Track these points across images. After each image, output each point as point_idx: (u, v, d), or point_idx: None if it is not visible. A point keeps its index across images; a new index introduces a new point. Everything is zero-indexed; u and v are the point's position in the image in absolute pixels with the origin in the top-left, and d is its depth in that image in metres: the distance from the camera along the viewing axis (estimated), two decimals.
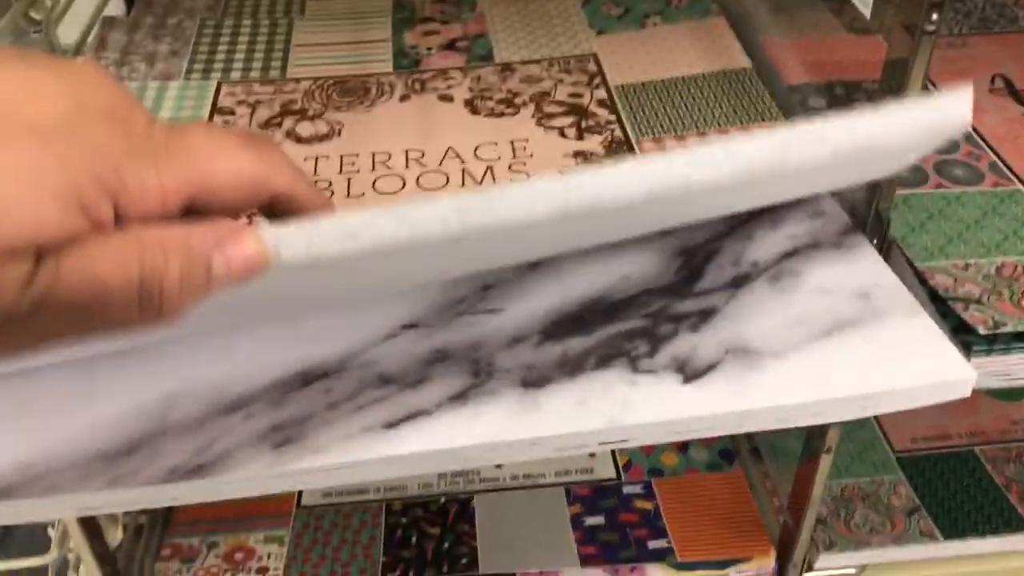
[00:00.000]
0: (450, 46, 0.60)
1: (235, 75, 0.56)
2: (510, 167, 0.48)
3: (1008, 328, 0.39)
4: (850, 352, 0.37)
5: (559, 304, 0.41)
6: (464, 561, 0.51)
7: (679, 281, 0.42)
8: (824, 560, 0.51)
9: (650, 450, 0.58)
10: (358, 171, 0.48)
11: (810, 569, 0.51)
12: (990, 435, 0.59)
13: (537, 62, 0.57)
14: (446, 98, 0.54)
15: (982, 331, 0.39)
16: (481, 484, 0.56)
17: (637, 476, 0.56)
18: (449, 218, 0.30)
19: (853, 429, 0.58)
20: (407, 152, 0.49)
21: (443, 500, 0.55)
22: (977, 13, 0.64)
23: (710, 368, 0.37)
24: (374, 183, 0.47)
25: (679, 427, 0.36)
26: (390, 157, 0.49)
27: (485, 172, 0.47)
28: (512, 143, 0.50)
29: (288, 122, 0.52)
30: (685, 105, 0.52)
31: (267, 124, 0.52)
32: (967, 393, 0.37)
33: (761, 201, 0.42)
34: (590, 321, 0.40)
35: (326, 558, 0.52)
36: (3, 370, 0.39)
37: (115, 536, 0.51)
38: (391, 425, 0.36)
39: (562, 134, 0.50)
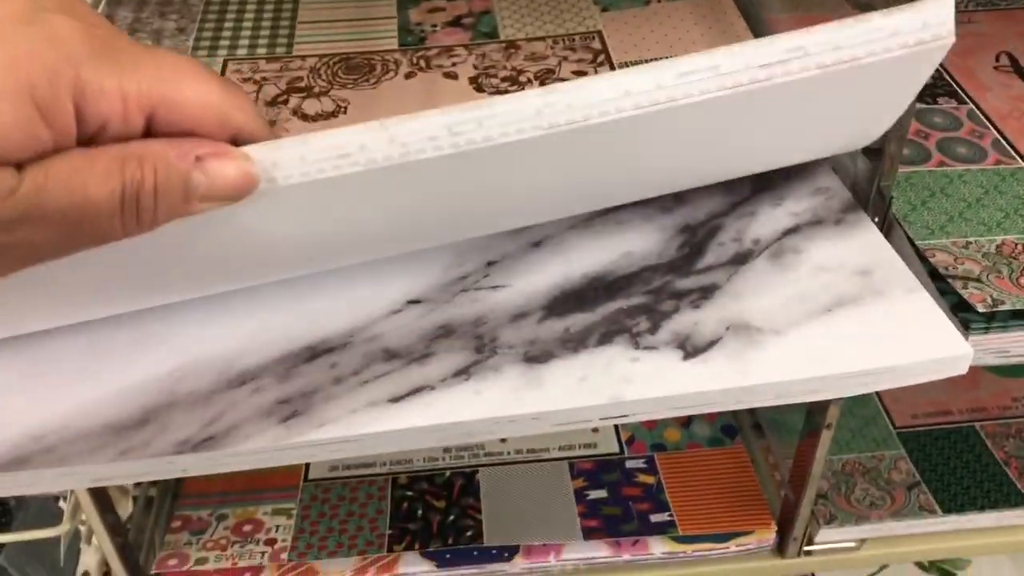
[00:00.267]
0: (455, 23, 0.60)
1: (241, 52, 0.56)
2: None
3: (1007, 306, 0.40)
4: (850, 329, 0.38)
5: (562, 281, 0.41)
6: (469, 534, 0.52)
7: (681, 258, 0.42)
8: (824, 534, 0.51)
9: (653, 425, 0.58)
10: None
11: (810, 543, 0.52)
12: (990, 411, 0.59)
13: (542, 39, 0.57)
14: (451, 75, 0.54)
15: (981, 309, 0.40)
16: (486, 458, 0.56)
17: (640, 451, 0.57)
18: (438, 135, 0.30)
19: (854, 405, 0.59)
20: None
21: (448, 474, 0.55)
22: None
23: (711, 344, 0.38)
24: None
25: (680, 403, 0.37)
26: None
27: None
28: None
29: (294, 100, 0.52)
30: None
31: (273, 101, 0.52)
32: (964, 370, 0.37)
33: (757, 153, 0.42)
34: (592, 298, 0.40)
35: (333, 530, 0.52)
36: (14, 339, 0.39)
37: (126, 508, 0.52)
38: (396, 400, 0.36)
39: None
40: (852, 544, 0.52)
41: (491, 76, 0.54)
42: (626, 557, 0.51)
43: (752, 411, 0.58)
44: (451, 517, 0.53)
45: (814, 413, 0.46)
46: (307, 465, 0.56)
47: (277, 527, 0.53)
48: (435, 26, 0.59)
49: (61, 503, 0.54)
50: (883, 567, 0.69)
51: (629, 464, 0.56)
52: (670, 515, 0.53)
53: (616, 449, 0.57)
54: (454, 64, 0.55)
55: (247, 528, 0.53)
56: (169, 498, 0.55)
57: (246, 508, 0.54)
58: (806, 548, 0.52)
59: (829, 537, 0.52)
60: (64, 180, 0.26)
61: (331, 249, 0.39)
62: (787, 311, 0.39)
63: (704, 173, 0.42)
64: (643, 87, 0.32)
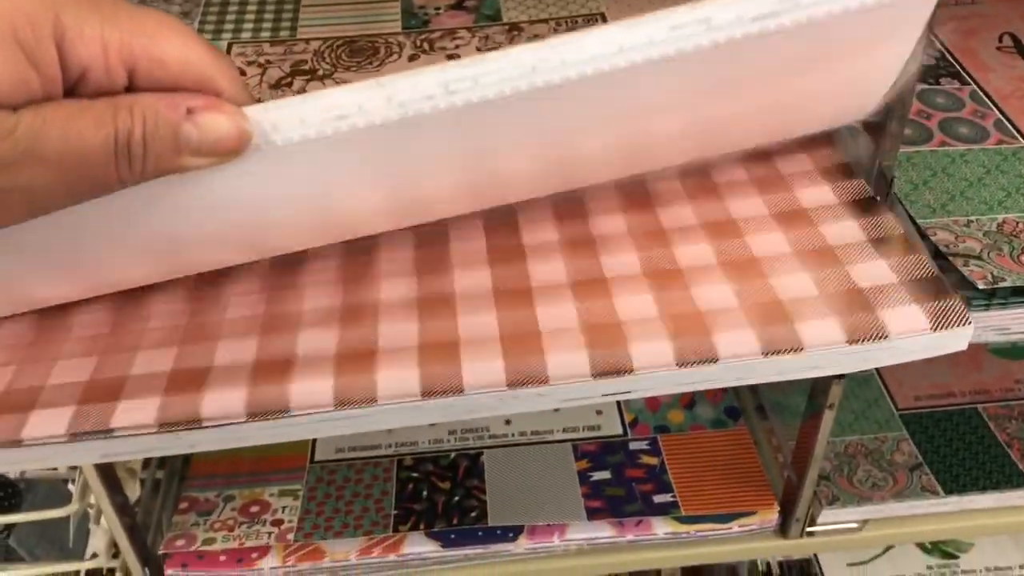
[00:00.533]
0: (458, 6, 0.60)
1: (245, 35, 0.57)
2: None
3: (1007, 283, 0.40)
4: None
5: None
6: (474, 514, 0.52)
7: None
8: (826, 515, 0.52)
9: (656, 407, 0.58)
10: None
11: (812, 523, 0.52)
12: (993, 393, 0.59)
13: (545, 21, 0.57)
14: (454, 58, 0.54)
15: (981, 286, 0.40)
16: (490, 440, 0.57)
17: (643, 433, 0.57)
18: (435, 95, 0.31)
19: (856, 387, 0.59)
20: None
21: (453, 455, 0.56)
22: None
23: None
24: None
25: (680, 379, 0.37)
26: None
27: None
28: None
29: (298, 82, 0.53)
30: None
31: (277, 84, 0.52)
32: (964, 347, 0.37)
33: (755, 117, 0.42)
34: None
35: (339, 511, 0.53)
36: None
37: (134, 490, 0.52)
38: None
39: None
40: (854, 525, 0.53)
41: None
42: (629, 537, 0.51)
43: (755, 393, 0.58)
44: (456, 498, 0.53)
45: (816, 393, 0.46)
46: (313, 447, 0.57)
47: (283, 508, 0.53)
48: (438, 9, 0.60)
49: (70, 485, 0.55)
50: (887, 549, 0.69)
51: (633, 446, 0.56)
52: (673, 496, 0.53)
53: (620, 431, 0.57)
54: (457, 47, 0.55)
55: (254, 509, 0.53)
56: (176, 480, 0.55)
57: (253, 489, 0.54)
58: (808, 529, 0.52)
59: (831, 518, 0.52)
60: (60, 125, 0.27)
61: (331, 220, 0.39)
62: None
63: (701, 140, 0.42)
64: (636, 42, 0.32)
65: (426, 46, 0.56)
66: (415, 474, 0.55)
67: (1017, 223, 0.44)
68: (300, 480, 0.55)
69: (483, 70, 0.31)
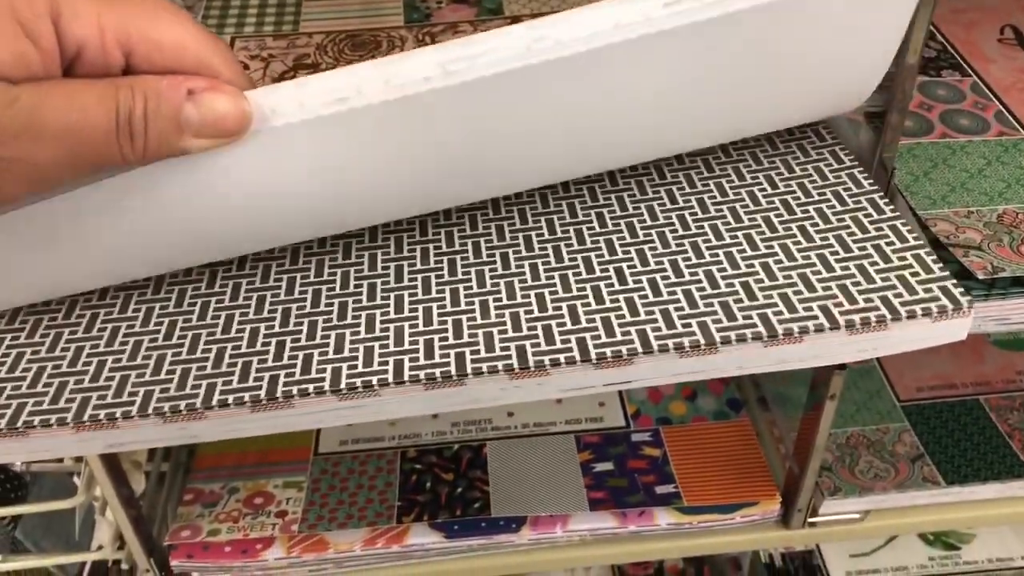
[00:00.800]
0: (460, 0, 0.60)
1: (248, 29, 0.57)
2: None
3: (1007, 273, 0.40)
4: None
5: None
6: (477, 505, 0.53)
7: None
8: (828, 505, 0.52)
9: (658, 399, 0.59)
10: None
11: (815, 514, 0.52)
12: (995, 384, 0.59)
13: (546, 16, 0.57)
14: None
15: (981, 276, 0.40)
16: (493, 432, 0.57)
17: (646, 424, 0.57)
18: (432, 75, 0.31)
19: (858, 379, 0.59)
20: None
21: (456, 447, 0.56)
22: None
23: None
24: None
25: (681, 368, 0.37)
26: None
27: None
28: None
29: (301, 76, 0.52)
30: None
31: (280, 78, 0.53)
32: (963, 337, 0.37)
33: (754, 98, 0.42)
34: None
35: (343, 502, 0.53)
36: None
37: (139, 483, 0.52)
38: None
39: None
40: (856, 515, 0.53)
41: None
42: (632, 528, 0.51)
43: (757, 385, 0.58)
44: (459, 489, 0.53)
45: (818, 384, 0.47)
46: (317, 439, 0.57)
47: (288, 499, 0.53)
48: (440, 3, 0.60)
49: (75, 478, 0.55)
50: (889, 540, 0.70)
51: (635, 437, 0.56)
52: (675, 487, 0.53)
53: (622, 423, 0.57)
54: None
55: (258, 501, 0.53)
56: (181, 472, 0.56)
57: (257, 481, 0.55)
58: (810, 520, 0.52)
59: (833, 508, 0.52)
60: (63, 98, 0.28)
61: (335, 208, 0.39)
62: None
63: (699, 127, 0.42)
64: (632, 19, 0.32)
65: (428, 40, 0.56)
66: (418, 466, 0.55)
67: (1017, 214, 0.44)
68: (304, 472, 0.55)
69: (479, 50, 0.32)
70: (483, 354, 0.37)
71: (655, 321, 0.38)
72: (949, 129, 0.49)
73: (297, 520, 0.52)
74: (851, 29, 0.37)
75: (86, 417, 0.36)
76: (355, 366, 0.37)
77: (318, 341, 0.38)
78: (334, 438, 0.57)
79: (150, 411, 0.36)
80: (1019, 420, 0.57)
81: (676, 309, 0.38)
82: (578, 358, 0.36)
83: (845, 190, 0.43)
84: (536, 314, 0.39)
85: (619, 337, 0.37)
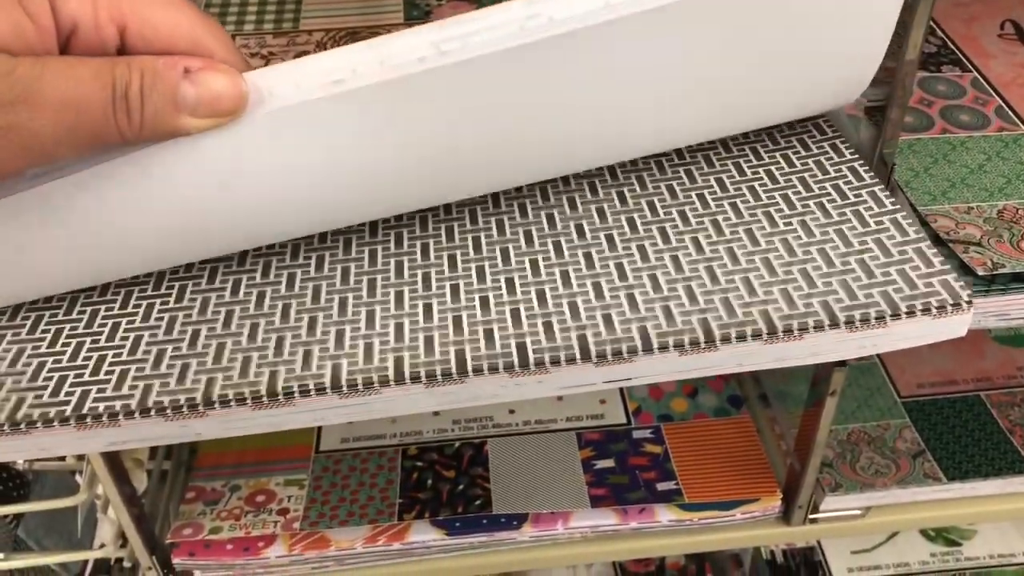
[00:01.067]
0: None
1: (248, 27, 0.57)
2: None
3: (1007, 269, 0.40)
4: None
5: None
6: (478, 503, 0.53)
7: None
8: (829, 502, 0.52)
9: (659, 396, 0.59)
10: None
11: (816, 510, 0.52)
12: (996, 380, 0.59)
13: None
14: None
15: (980, 272, 0.40)
16: (494, 429, 0.57)
17: (647, 421, 0.57)
18: (427, 56, 0.31)
19: (859, 375, 0.59)
20: None
21: (457, 444, 0.56)
22: None
23: None
24: None
25: (681, 366, 0.37)
26: None
27: None
28: None
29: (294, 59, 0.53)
30: None
31: None
32: (963, 333, 0.37)
33: (749, 85, 0.42)
34: None
35: (344, 500, 0.53)
36: None
37: (140, 482, 0.53)
38: None
39: None
40: (857, 512, 0.53)
41: None
42: (633, 525, 0.51)
43: (758, 381, 0.58)
44: (460, 486, 0.54)
45: (819, 381, 0.47)
46: (318, 436, 0.57)
47: (289, 497, 0.53)
48: (440, 1, 0.60)
49: (77, 476, 0.55)
50: (890, 536, 0.70)
51: (636, 434, 0.56)
52: (676, 484, 0.53)
53: (623, 420, 0.57)
54: None
55: (260, 498, 0.53)
56: (183, 470, 0.56)
57: (259, 479, 0.55)
58: (811, 516, 0.52)
59: (834, 505, 0.52)
60: (60, 71, 0.28)
61: (330, 194, 0.39)
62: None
63: (694, 114, 0.42)
64: None
65: None
66: (420, 463, 0.55)
67: (1017, 210, 0.44)
68: (305, 470, 0.55)
69: (472, 28, 0.32)
70: (483, 351, 0.37)
71: (655, 318, 0.38)
72: (949, 125, 0.49)
73: (299, 518, 0.52)
74: (842, 13, 0.37)
75: (86, 410, 0.36)
76: (355, 362, 0.37)
77: (318, 336, 0.38)
78: (335, 436, 0.57)
79: (150, 404, 0.36)
80: (1020, 416, 0.57)
81: (677, 305, 0.38)
82: (578, 356, 0.36)
83: (846, 183, 0.43)
84: (536, 310, 0.39)
85: (619, 334, 0.37)
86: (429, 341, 0.38)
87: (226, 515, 0.53)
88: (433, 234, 0.43)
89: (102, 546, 0.52)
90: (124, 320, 0.40)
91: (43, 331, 0.40)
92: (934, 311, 0.37)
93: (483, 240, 0.43)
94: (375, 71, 0.32)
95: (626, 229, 0.42)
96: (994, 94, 0.51)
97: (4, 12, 0.28)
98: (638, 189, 0.45)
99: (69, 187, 0.33)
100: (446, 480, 0.54)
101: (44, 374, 0.38)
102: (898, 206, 0.41)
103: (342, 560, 0.51)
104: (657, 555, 0.72)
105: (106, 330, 0.40)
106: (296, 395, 0.36)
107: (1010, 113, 0.50)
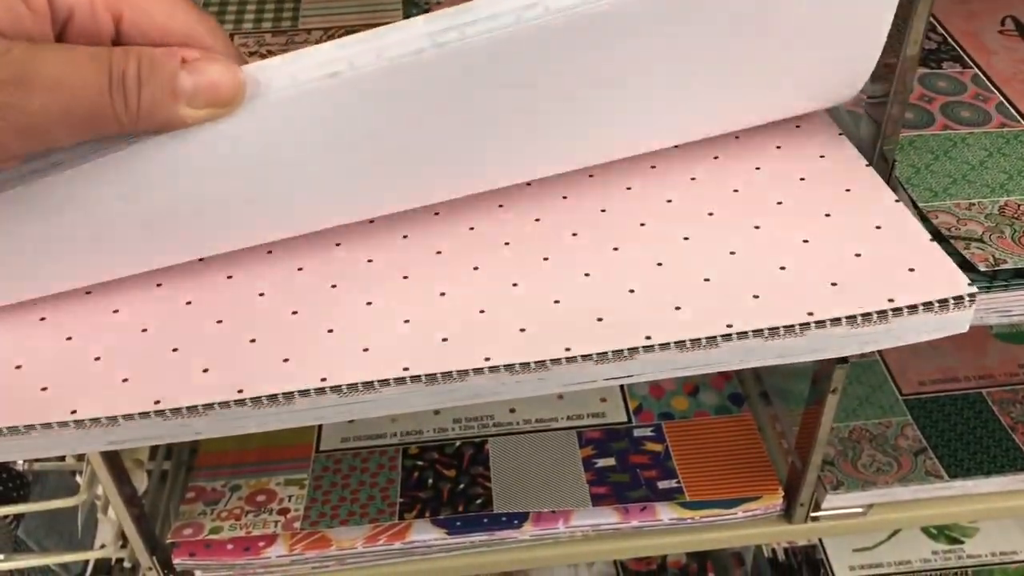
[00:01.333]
0: None
1: (247, 26, 0.57)
2: None
3: (1008, 265, 0.40)
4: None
5: None
6: (479, 501, 0.52)
7: None
8: (831, 499, 0.52)
9: (660, 394, 0.59)
10: None
11: (817, 508, 0.52)
12: (998, 378, 0.59)
13: None
14: None
15: (982, 269, 0.40)
16: (495, 428, 0.57)
17: (648, 419, 0.57)
18: (423, 47, 0.31)
19: (861, 372, 0.59)
20: None
21: (458, 443, 0.56)
22: None
23: None
24: None
25: (682, 363, 0.37)
26: None
27: None
28: None
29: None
30: None
31: None
32: (965, 329, 0.37)
33: (745, 82, 0.42)
34: None
35: (345, 499, 0.53)
36: None
37: (141, 482, 0.53)
38: None
39: None
40: (859, 510, 0.53)
41: None
42: (634, 523, 0.51)
43: (759, 379, 0.58)
44: (461, 485, 0.53)
45: (820, 378, 0.46)
46: (318, 436, 0.57)
47: (290, 497, 0.53)
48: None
49: (78, 477, 0.55)
50: (892, 534, 0.70)
51: (637, 432, 0.56)
52: (678, 482, 0.53)
53: (624, 418, 0.57)
54: None
55: (260, 498, 0.53)
56: (183, 470, 0.56)
57: (259, 479, 0.55)
58: (813, 514, 0.52)
59: (836, 503, 0.52)
60: (58, 53, 0.29)
61: (328, 188, 0.39)
62: None
63: (691, 106, 0.42)
64: None
65: None
66: (420, 462, 0.55)
67: (1019, 206, 0.44)
68: (306, 469, 0.55)
69: (469, 18, 0.32)
70: (484, 349, 0.37)
71: (656, 314, 0.38)
72: (950, 121, 0.49)
73: (299, 517, 0.52)
74: (840, 12, 0.37)
75: (86, 409, 0.36)
76: (355, 362, 0.37)
77: (318, 336, 0.38)
78: (335, 435, 0.57)
79: (150, 404, 0.36)
80: (1022, 413, 0.57)
81: (677, 302, 0.38)
82: (578, 354, 0.36)
83: (848, 181, 0.43)
84: (535, 307, 0.39)
85: (620, 331, 0.37)
86: (429, 339, 0.38)
87: (226, 515, 0.52)
88: (431, 234, 0.43)
89: (102, 546, 0.52)
90: (123, 318, 0.40)
91: (42, 330, 0.40)
92: (936, 307, 0.37)
93: (483, 237, 0.43)
94: (372, 62, 0.31)
95: (627, 227, 0.42)
96: (995, 90, 0.51)
97: None
98: (635, 185, 0.45)
99: (67, 181, 0.33)
100: (447, 479, 0.54)
101: (44, 371, 0.38)
102: (899, 203, 0.41)
103: (343, 560, 0.51)
104: (658, 553, 0.72)
105: (105, 328, 0.40)
106: (296, 395, 0.36)
107: (1011, 109, 0.50)
